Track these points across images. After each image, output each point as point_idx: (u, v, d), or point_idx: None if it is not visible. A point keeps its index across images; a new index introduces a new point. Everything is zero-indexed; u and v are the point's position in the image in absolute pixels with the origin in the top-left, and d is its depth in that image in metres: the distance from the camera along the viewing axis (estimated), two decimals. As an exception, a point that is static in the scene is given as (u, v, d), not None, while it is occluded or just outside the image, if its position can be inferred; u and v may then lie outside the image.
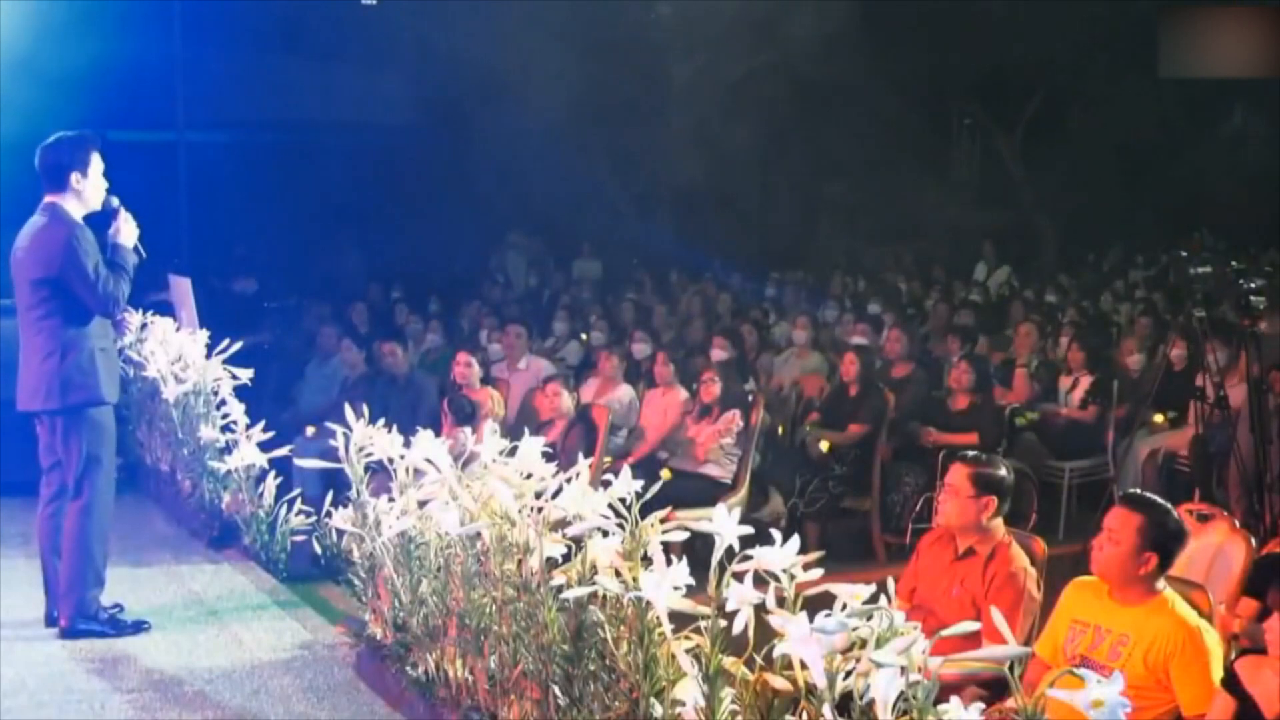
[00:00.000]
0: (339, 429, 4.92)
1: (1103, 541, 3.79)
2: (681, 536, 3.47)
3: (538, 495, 3.90)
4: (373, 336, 9.89)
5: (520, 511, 3.91)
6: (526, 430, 4.32)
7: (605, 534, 3.57)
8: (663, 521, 3.50)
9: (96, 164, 5.33)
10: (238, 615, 5.72)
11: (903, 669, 2.76)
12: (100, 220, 5.43)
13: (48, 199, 5.31)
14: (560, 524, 3.78)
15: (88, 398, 5.30)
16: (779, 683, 3.09)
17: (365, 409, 4.92)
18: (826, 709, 2.90)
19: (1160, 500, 3.85)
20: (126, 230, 5.43)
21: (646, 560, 3.41)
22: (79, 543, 5.32)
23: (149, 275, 5.50)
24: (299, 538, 6.30)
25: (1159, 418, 7.94)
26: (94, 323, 5.33)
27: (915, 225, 16.45)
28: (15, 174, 8.21)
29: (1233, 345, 6.90)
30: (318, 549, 6.13)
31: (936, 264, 15.29)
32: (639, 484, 3.52)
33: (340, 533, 5.51)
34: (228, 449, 6.59)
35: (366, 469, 4.89)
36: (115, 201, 5.45)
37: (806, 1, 13.75)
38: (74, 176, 5.26)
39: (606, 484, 3.59)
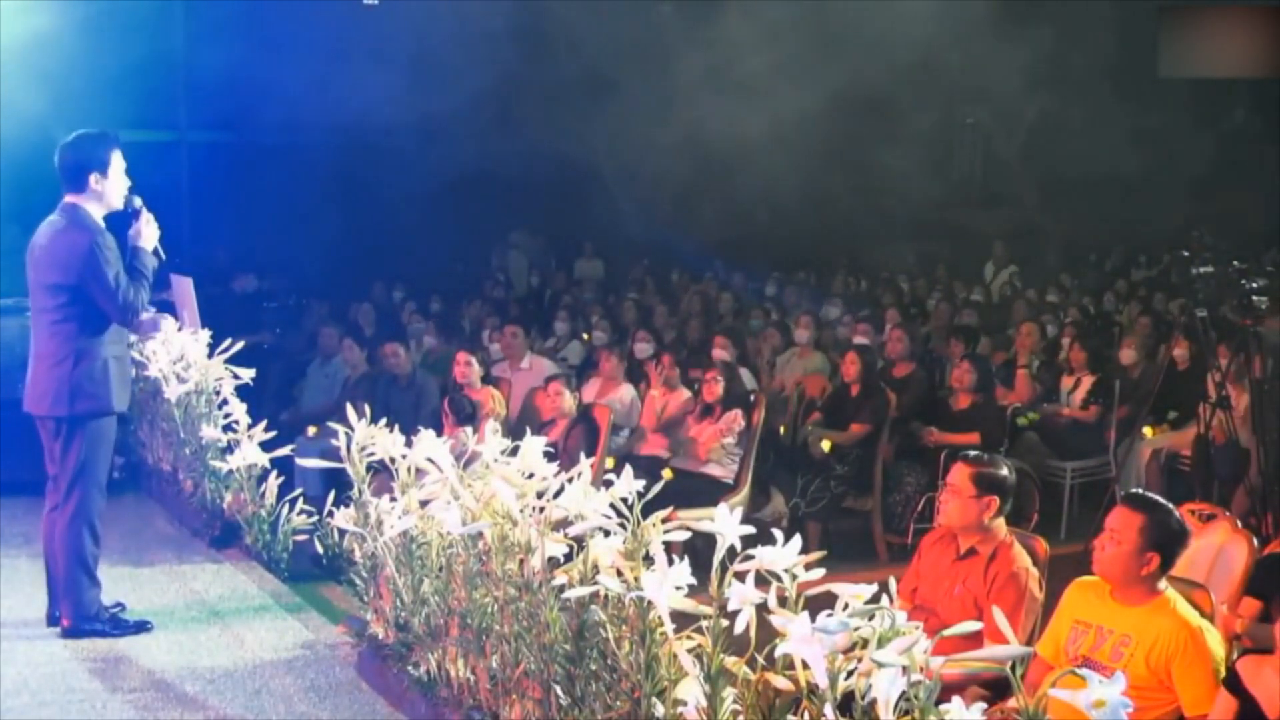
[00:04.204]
0: (341, 429, 4.92)
1: (1105, 541, 3.79)
2: (683, 536, 3.47)
3: (539, 495, 3.90)
4: (375, 336, 9.91)
5: (522, 511, 3.91)
6: (528, 430, 4.32)
7: (607, 534, 3.57)
8: (664, 521, 3.50)
9: (117, 163, 5.24)
10: (239, 615, 5.73)
11: (904, 669, 2.76)
12: (119, 220, 5.36)
13: (67, 199, 5.22)
14: (562, 523, 3.78)
15: (96, 407, 5.24)
16: (781, 682, 3.09)
17: (367, 409, 4.93)
18: (828, 709, 2.90)
19: (1162, 500, 3.84)
20: (148, 233, 5.35)
21: (648, 560, 3.42)
22: (70, 548, 5.28)
23: (153, 275, 5.47)
24: (301, 537, 6.30)
25: (1149, 431, 7.94)
26: (110, 330, 5.26)
27: (917, 225, 16.44)
28: (17, 174, 8.24)
29: (1235, 346, 6.90)
30: (319, 549, 6.14)
31: (939, 263, 15.29)
32: (640, 484, 3.52)
33: (342, 532, 5.53)
34: (229, 449, 6.60)
35: (368, 469, 4.89)
36: (138, 202, 5.36)
37: (808, 2, 13.74)
38: (93, 177, 5.18)
39: (608, 484, 3.59)
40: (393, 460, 4.64)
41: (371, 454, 4.82)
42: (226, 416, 6.74)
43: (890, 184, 15.21)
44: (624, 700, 3.49)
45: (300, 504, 6.34)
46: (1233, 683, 3.42)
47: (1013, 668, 2.78)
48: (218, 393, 6.88)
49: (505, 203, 16.57)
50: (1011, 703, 2.94)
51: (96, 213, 5.23)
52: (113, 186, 5.24)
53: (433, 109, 14.04)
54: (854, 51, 13.05)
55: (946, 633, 2.90)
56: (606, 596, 3.54)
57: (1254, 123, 16.63)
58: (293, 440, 6.86)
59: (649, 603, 3.33)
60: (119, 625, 5.43)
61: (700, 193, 15.77)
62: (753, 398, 7.65)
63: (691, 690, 3.30)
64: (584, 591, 3.57)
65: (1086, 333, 9.51)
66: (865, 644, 2.87)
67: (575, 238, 16.89)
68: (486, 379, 7.77)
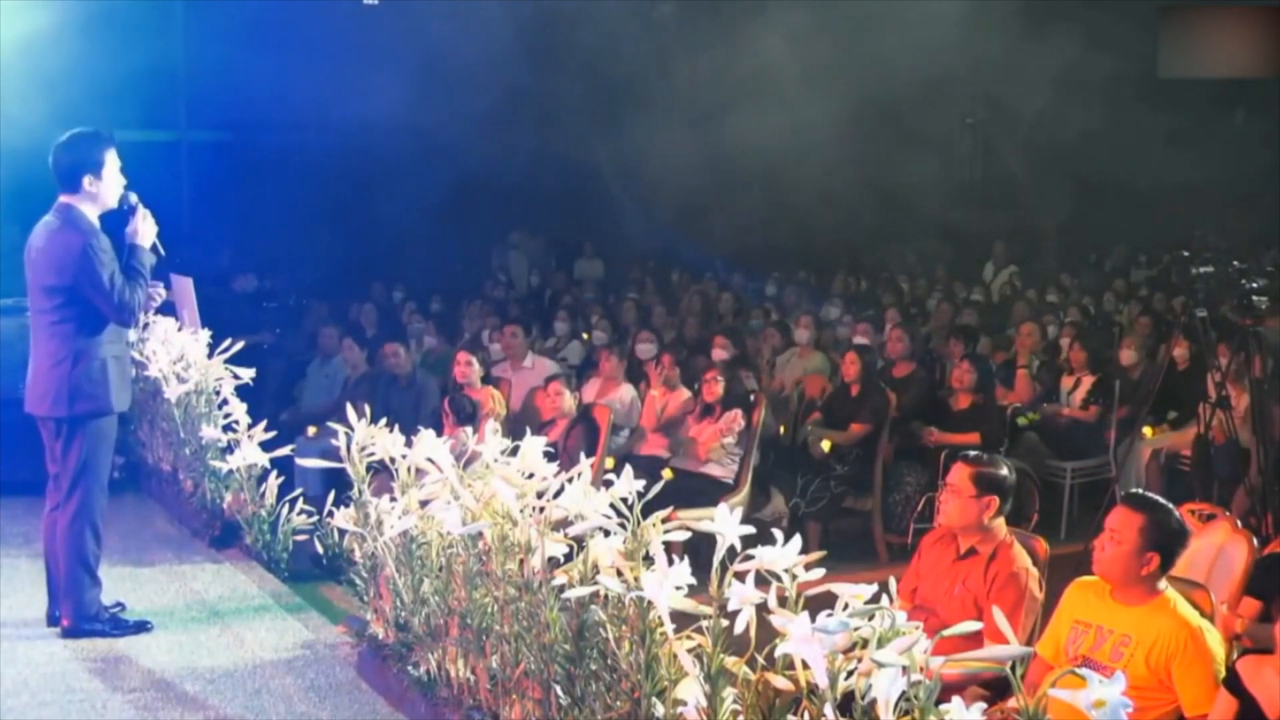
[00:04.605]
0: (341, 428, 4.92)
1: (1104, 541, 3.79)
2: (683, 536, 3.47)
3: (539, 495, 3.90)
4: (375, 336, 9.91)
5: (522, 511, 3.91)
6: (528, 430, 4.32)
7: (607, 534, 3.57)
8: (664, 521, 3.50)
9: (111, 163, 5.21)
10: (239, 615, 5.73)
11: (904, 669, 2.76)
12: (117, 217, 5.34)
13: (62, 199, 5.20)
14: (562, 523, 3.78)
15: (96, 408, 5.24)
16: (781, 682, 3.09)
17: (367, 408, 4.93)
18: (828, 709, 2.90)
19: (1162, 500, 3.84)
20: (144, 230, 5.33)
21: (648, 560, 3.42)
22: (72, 548, 5.28)
23: (152, 272, 5.46)
24: (301, 537, 6.30)
25: (1149, 431, 7.95)
26: (108, 330, 5.24)
27: (917, 225, 16.45)
28: (17, 174, 8.23)
29: (1235, 346, 6.91)
30: (320, 549, 6.14)
31: (939, 263, 15.29)
32: (640, 484, 3.52)
33: (342, 532, 5.53)
34: (229, 449, 6.60)
35: (368, 469, 4.89)
36: (134, 199, 5.33)
37: (807, 2, 13.75)
38: (87, 179, 5.15)
39: (608, 484, 3.59)
40: (393, 460, 4.64)
41: (371, 454, 4.82)
42: (226, 416, 6.74)
43: (891, 184, 15.22)
44: (624, 700, 3.49)
45: (300, 504, 6.34)
46: (1233, 683, 3.42)
47: (1013, 668, 2.78)
48: (218, 393, 6.88)
49: (506, 203, 16.58)
50: (1011, 703, 2.94)
51: (91, 213, 5.21)
52: (107, 186, 5.22)
53: (433, 109, 14.05)
54: (855, 54, 13.06)
55: (946, 633, 2.90)
56: (606, 596, 3.54)
57: (1255, 123, 16.63)
58: (293, 440, 6.87)
59: (649, 603, 3.33)
60: (119, 625, 5.43)
61: (701, 194, 15.78)
62: (753, 398, 7.65)
63: (691, 690, 3.30)
64: (584, 591, 3.57)
65: (1086, 333, 9.51)
66: (865, 644, 2.87)
67: (575, 238, 16.89)
68: (486, 379, 7.77)
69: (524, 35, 14.03)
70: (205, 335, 7.11)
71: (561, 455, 5.83)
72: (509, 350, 8.87)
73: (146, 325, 7.60)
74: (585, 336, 10.67)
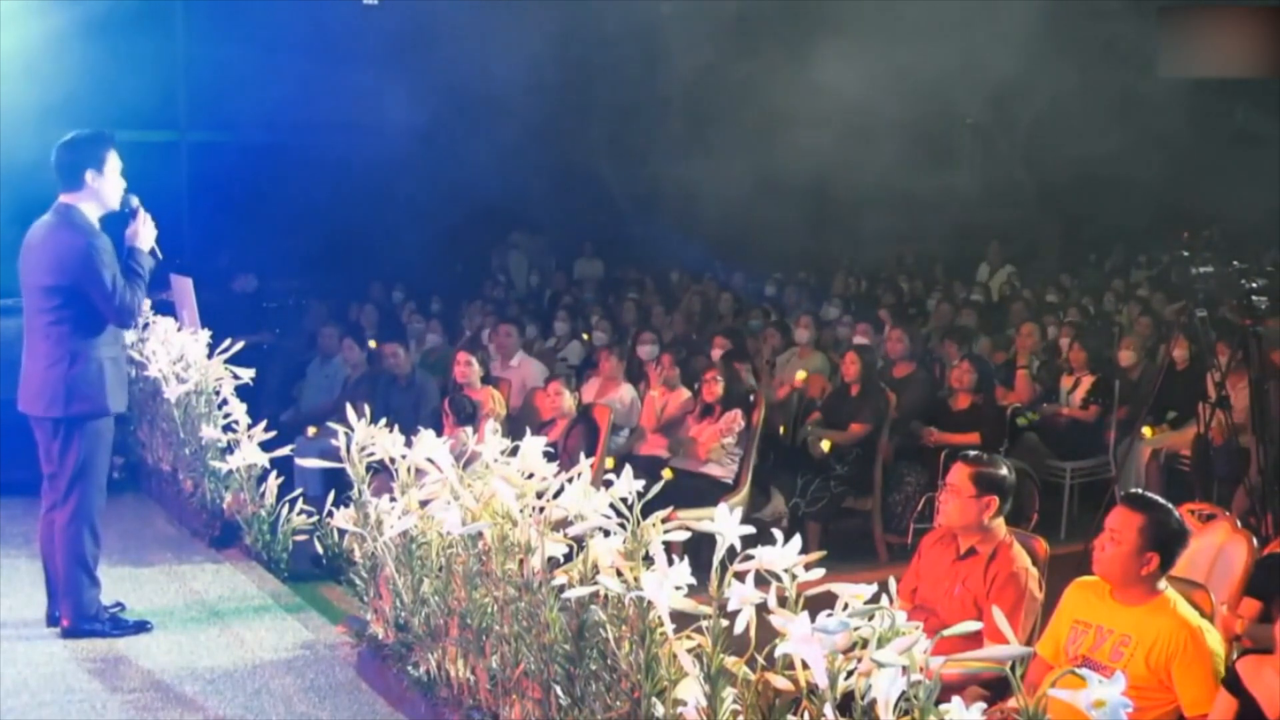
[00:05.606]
0: (341, 429, 4.92)
1: (1104, 541, 3.79)
2: (683, 536, 3.47)
3: (539, 495, 3.90)
4: (375, 336, 9.90)
5: (522, 511, 3.92)
6: (528, 430, 4.32)
7: (607, 534, 3.57)
8: (664, 521, 3.50)
9: (113, 162, 5.22)
10: (239, 615, 5.73)
11: (904, 669, 2.76)
12: (117, 220, 5.35)
13: (62, 199, 5.20)
14: (562, 523, 3.79)
15: (92, 409, 5.23)
16: (780, 682, 3.09)
17: (367, 409, 4.93)
18: (828, 709, 2.91)
19: (1162, 500, 3.84)
20: (144, 234, 5.33)
21: (648, 560, 3.42)
22: (70, 549, 5.27)
23: (151, 275, 5.46)
24: (301, 537, 6.30)
25: (1149, 431, 7.95)
26: (105, 332, 5.24)
27: (917, 225, 16.45)
28: (17, 174, 8.23)
29: (1235, 345, 6.91)
30: (319, 549, 6.14)
31: (938, 264, 15.29)
32: (640, 484, 3.52)
33: (342, 532, 5.53)
34: (229, 449, 6.60)
35: (368, 469, 4.89)
36: (135, 201, 5.33)
37: (805, 2, 13.75)
38: (89, 174, 5.16)
39: (608, 484, 3.59)
40: (393, 460, 4.64)
41: (371, 454, 4.82)
42: (226, 416, 6.74)
43: (892, 184, 15.23)
44: (624, 700, 3.49)
45: (300, 504, 6.34)
46: (1233, 683, 3.42)
47: (1013, 668, 2.78)
48: (218, 393, 6.88)
49: (506, 203, 16.58)
50: (1011, 703, 2.94)
51: (92, 213, 5.21)
52: (108, 185, 5.22)
53: (433, 108, 14.05)
54: (856, 57, 13.06)
55: (946, 633, 2.90)
56: (606, 596, 3.54)
57: (1254, 123, 16.63)
58: (293, 440, 6.86)
59: (649, 603, 3.33)
60: (119, 625, 5.43)
61: (701, 194, 15.79)
62: (753, 398, 7.65)
63: (691, 690, 3.30)
64: (584, 591, 3.57)
65: (1086, 333, 9.50)
66: (865, 644, 2.87)
67: (575, 238, 16.89)
68: (486, 379, 7.77)
69: (526, 34, 14.05)
70: (205, 335, 7.10)
71: (561, 455, 5.84)
72: (500, 349, 8.87)
73: (146, 325, 7.61)
74: (585, 336, 10.66)
